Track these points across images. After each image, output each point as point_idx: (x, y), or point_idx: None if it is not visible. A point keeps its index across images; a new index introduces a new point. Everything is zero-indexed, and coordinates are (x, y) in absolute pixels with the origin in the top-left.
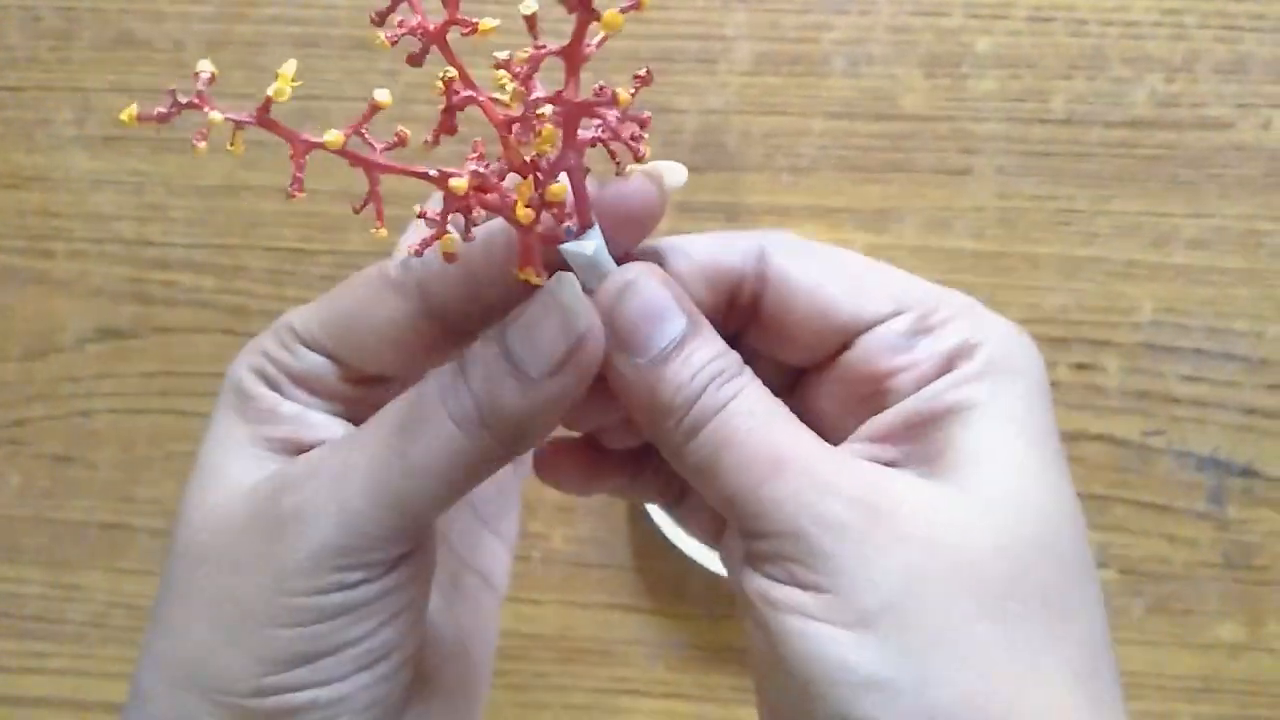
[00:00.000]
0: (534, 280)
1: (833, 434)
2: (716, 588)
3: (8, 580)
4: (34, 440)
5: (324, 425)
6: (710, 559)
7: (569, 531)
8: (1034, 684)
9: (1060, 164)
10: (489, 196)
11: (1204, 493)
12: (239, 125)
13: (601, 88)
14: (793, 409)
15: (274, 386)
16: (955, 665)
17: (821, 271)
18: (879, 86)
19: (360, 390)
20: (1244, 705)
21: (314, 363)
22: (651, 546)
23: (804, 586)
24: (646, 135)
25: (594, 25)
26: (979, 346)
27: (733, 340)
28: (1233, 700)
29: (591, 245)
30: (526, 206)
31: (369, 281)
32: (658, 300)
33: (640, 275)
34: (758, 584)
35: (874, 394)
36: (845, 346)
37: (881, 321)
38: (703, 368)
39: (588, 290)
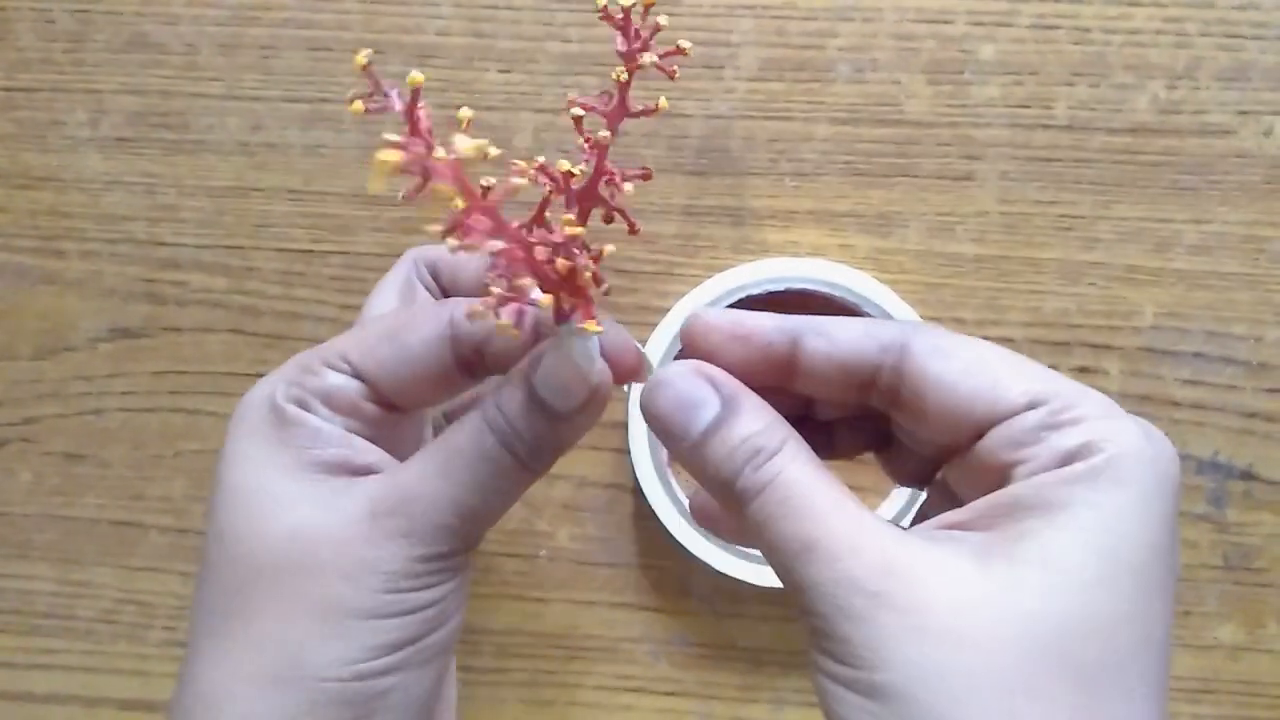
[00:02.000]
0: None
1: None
2: (721, 586)
3: (18, 577)
4: (45, 438)
5: (367, 449)
6: (715, 557)
7: (575, 530)
8: None
9: (1062, 170)
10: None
11: (1204, 495)
12: (425, 178)
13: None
14: (936, 484)
15: (307, 410)
16: None
17: (961, 368)
18: (883, 92)
19: (380, 414)
20: (1243, 706)
21: (341, 382)
22: (657, 545)
23: (834, 658)
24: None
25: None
26: (1100, 450)
27: (877, 416)
28: (1232, 701)
29: (580, 328)
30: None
31: (430, 330)
32: (689, 391)
33: (672, 374)
34: (811, 651)
35: (999, 482)
36: (979, 437)
37: (1015, 414)
38: (738, 446)
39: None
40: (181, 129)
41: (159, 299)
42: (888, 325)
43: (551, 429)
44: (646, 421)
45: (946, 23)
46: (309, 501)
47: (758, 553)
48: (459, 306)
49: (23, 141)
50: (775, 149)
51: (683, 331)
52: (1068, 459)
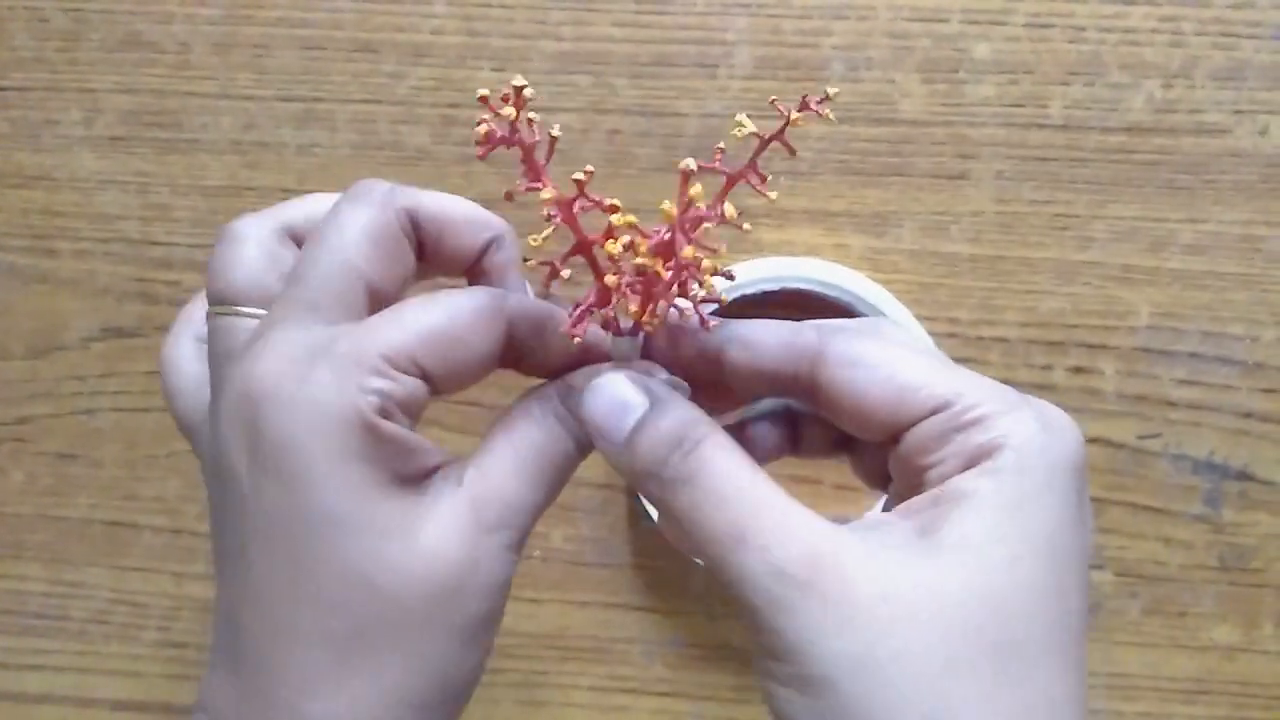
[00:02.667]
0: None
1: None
2: (714, 587)
3: (11, 577)
4: (38, 438)
5: (431, 447)
6: None
7: (569, 531)
8: None
9: (1058, 169)
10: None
11: (1200, 496)
12: (549, 217)
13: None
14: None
15: (393, 419)
16: None
17: (868, 378)
18: (878, 91)
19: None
20: (1239, 707)
21: (414, 386)
22: (650, 546)
23: (767, 654)
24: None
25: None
26: (1004, 445)
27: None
28: (1227, 702)
29: (634, 344)
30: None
31: (476, 312)
32: (619, 395)
33: (605, 379)
34: (752, 650)
35: (919, 484)
36: (895, 440)
37: (922, 419)
38: (663, 437)
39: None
40: (175, 128)
41: (152, 298)
42: (806, 332)
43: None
44: (586, 427)
45: (941, 21)
46: (422, 522)
47: None
48: (512, 302)
49: (16, 140)
50: (770, 148)
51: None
52: (973, 458)
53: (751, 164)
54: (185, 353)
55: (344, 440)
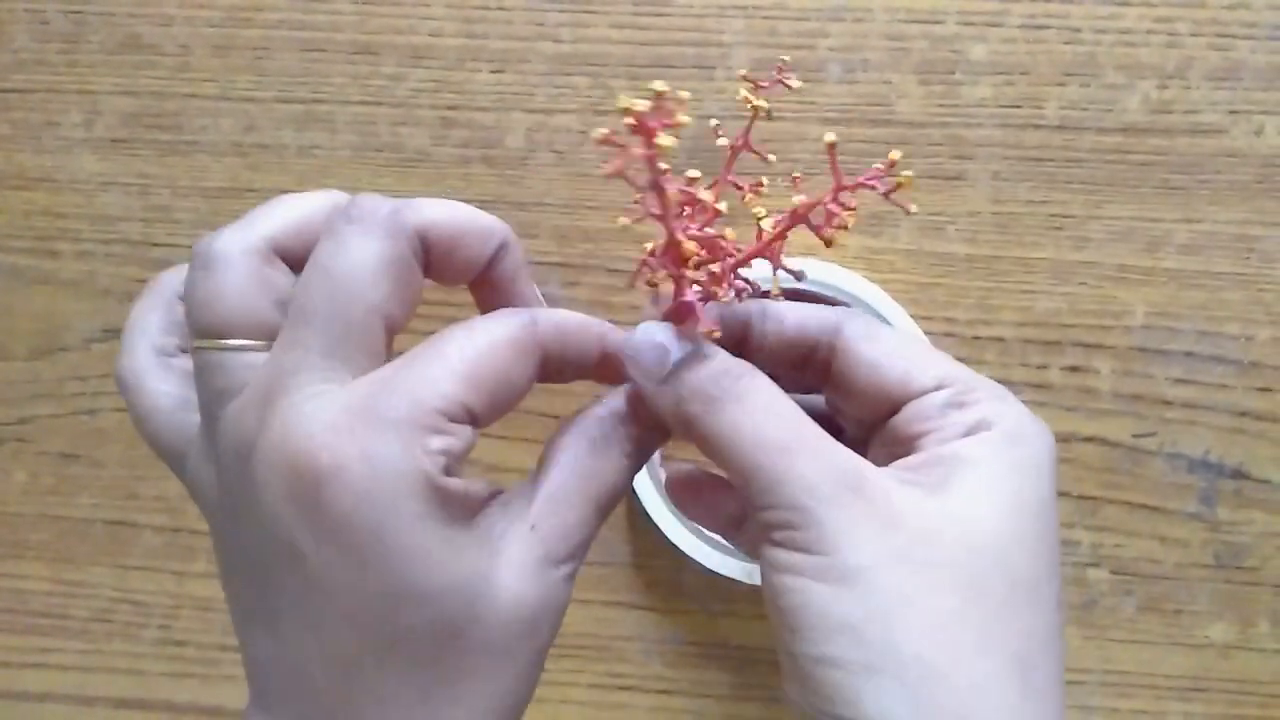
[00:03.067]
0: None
1: None
2: (713, 585)
3: (13, 576)
4: (40, 438)
5: (482, 482)
6: (707, 556)
7: None
8: (977, 654)
9: (1054, 169)
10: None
11: (1195, 494)
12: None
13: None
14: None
15: (454, 474)
16: (914, 623)
17: (884, 351)
18: (874, 92)
19: None
20: (1234, 704)
21: (469, 434)
22: (649, 544)
23: (800, 549)
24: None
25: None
26: (995, 424)
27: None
28: (1223, 699)
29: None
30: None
31: (515, 346)
32: (660, 338)
33: (647, 325)
34: (767, 552)
35: (910, 451)
36: (894, 412)
37: (926, 393)
38: (714, 368)
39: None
40: (175, 130)
41: None
42: (827, 311)
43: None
44: (626, 366)
45: (937, 23)
46: (499, 568)
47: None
48: (543, 324)
49: (17, 142)
50: (767, 149)
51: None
52: (970, 431)
53: (745, 145)
54: (148, 367)
55: (416, 507)
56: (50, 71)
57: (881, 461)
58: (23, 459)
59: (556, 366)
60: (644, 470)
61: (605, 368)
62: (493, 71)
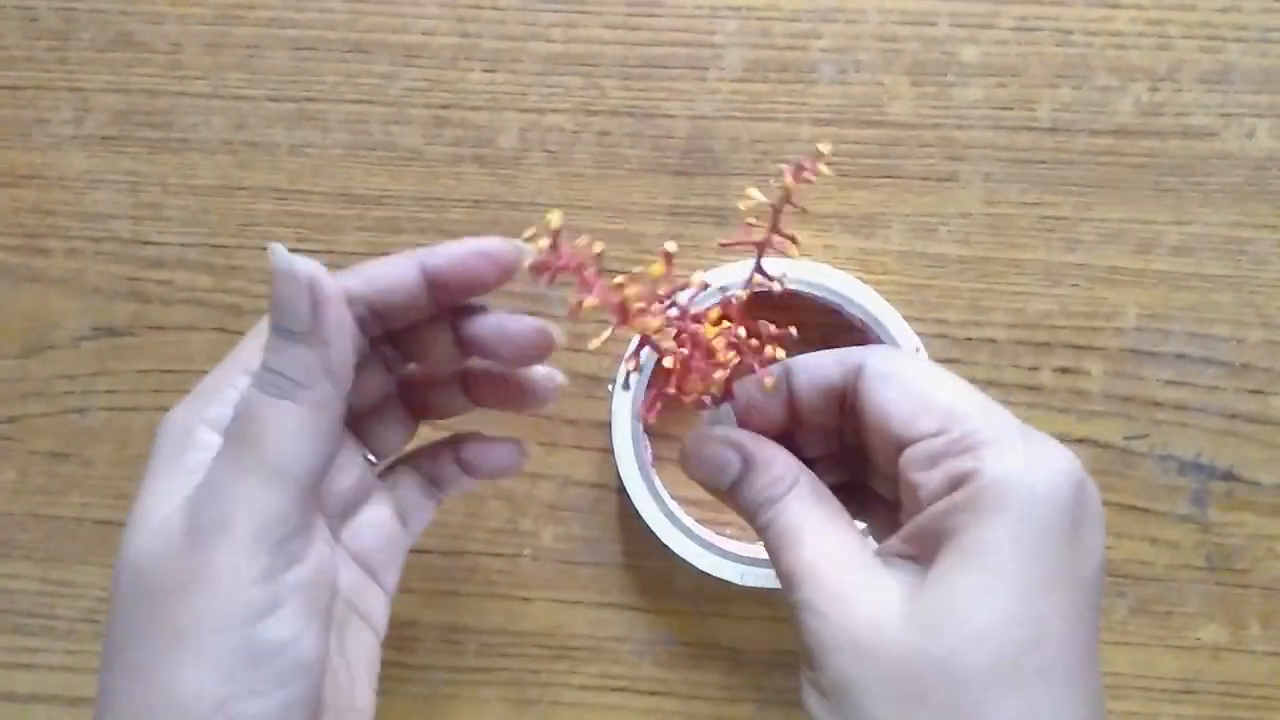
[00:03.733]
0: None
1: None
2: (705, 586)
3: (1, 576)
4: (29, 437)
5: None
6: (699, 557)
7: (559, 529)
8: None
9: (1045, 171)
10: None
11: (1186, 496)
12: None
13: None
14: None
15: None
16: None
17: (894, 393)
18: (866, 94)
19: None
20: (1226, 706)
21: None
22: (641, 545)
23: (805, 663)
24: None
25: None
26: (978, 476)
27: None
28: (1214, 701)
29: (728, 410)
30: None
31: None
32: (714, 458)
33: (701, 444)
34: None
35: (913, 499)
36: (899, 455)
37: (923, 439)
38: (755, 496)
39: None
40: (166, 127)
41: (143, 297)
42: (854, 351)
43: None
44: (690, 478)
45: (929, 25)
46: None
47: (741, 552)
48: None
49: (6, 139)
50: (759, 149)
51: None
52: (953, 485)
53: (773, 229)
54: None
55: None
56: (40, 68)
57: (910, 513)
58: (11, 458)
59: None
60: (635, 470)
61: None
62: (485, 71)
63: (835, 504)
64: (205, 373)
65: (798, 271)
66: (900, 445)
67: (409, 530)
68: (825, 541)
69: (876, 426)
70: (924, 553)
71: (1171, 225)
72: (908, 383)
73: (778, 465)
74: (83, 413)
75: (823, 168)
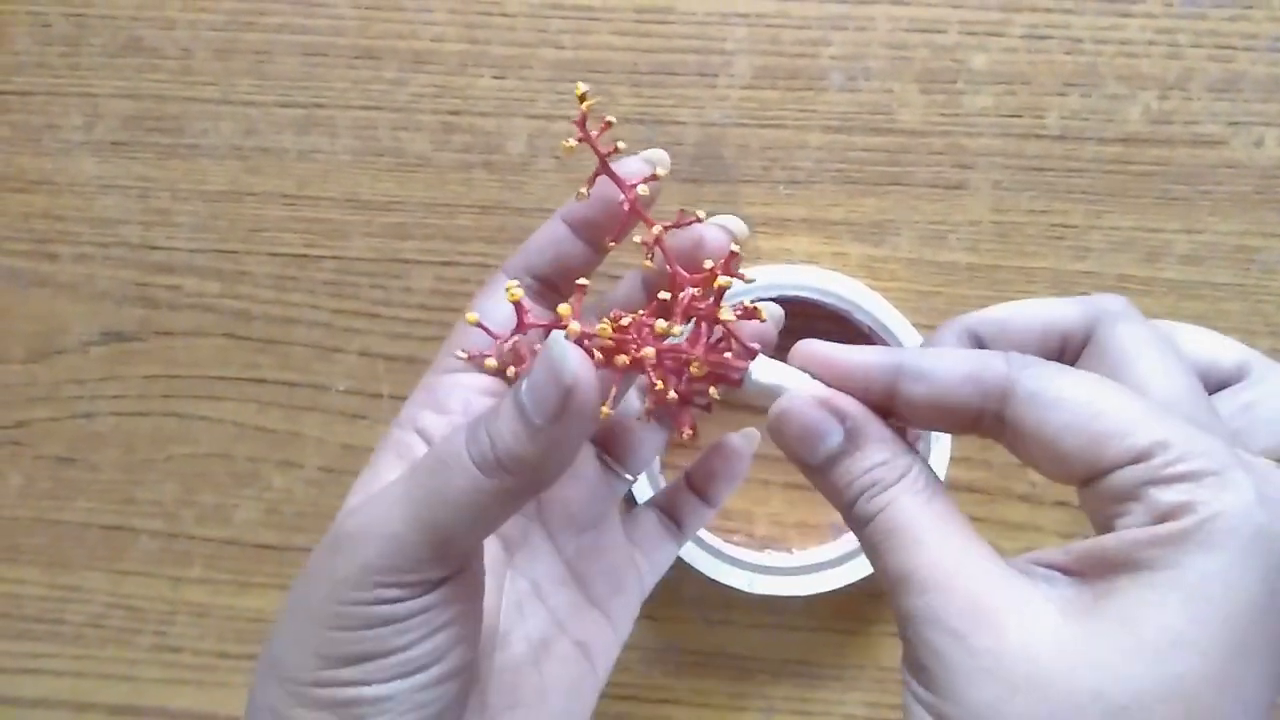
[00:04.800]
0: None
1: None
2: (712, 593)
3: (7, 581)
4: (36, 441)
5: None
6: (706, 565)
7: None
8: None
9: (1055, 179)
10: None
11: None
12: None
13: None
14: None
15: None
16: None
17: (1062, 422)
18: (876, 101)
19: None
20: None
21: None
22: None
23: (917, 679)
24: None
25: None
26: (1195, 510)
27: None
28: None
29: (760, 370)
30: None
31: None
32: (813, 422)
33: (796, 404)
34: (901, 661)
35: (1104, 528)
36: (1086, 483)
37: (1118, 469)
38: (859, 477)
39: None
40: (176, 133)
41: (152, 303)
42: (994, 364)
43: (530, 439)
44: (773, 440)
45: (939, 32)
46: None
47: (749, 559)
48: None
49: (17, 145)
50: (769, 156)
51: (791, 360)
52: (1163, 517)
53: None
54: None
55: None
56: (51, 74)
57: (1098, 530)
58: (19, 462)
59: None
60: (644, 478)
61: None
62: (494, 77)
63: (953, 502)
64: (214, 378)
65: (806, 278)
66: (1083, 478)
67: (650, 569)
68: (950, 541)
69: (1047, 458)
70: (1094, 573)
71: (1180, 234)
72: (1079, 409)
73: (891, 446)
74: (90, 418)
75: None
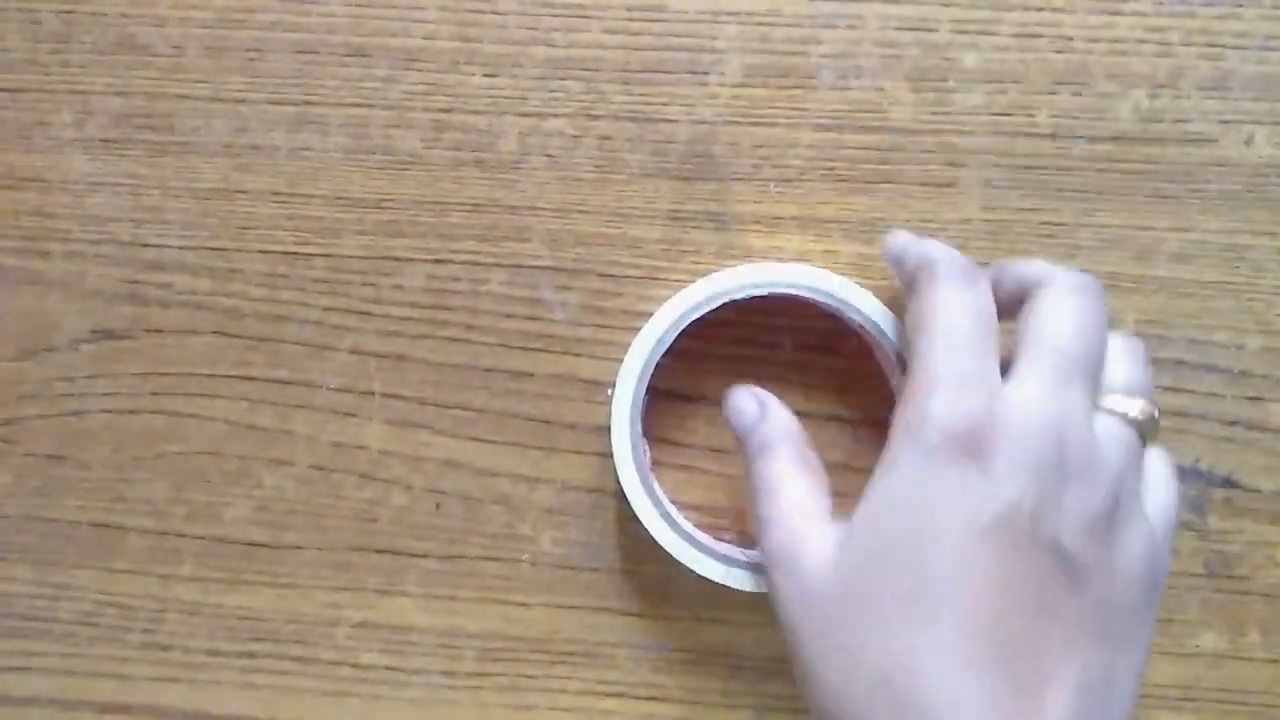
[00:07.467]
0: None
1: None
2: (703, 591)
3: None
4: (26, 439)
5: None
6: (697, 562)
7: (557, 534)
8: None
9: (1045, 178)
10: None
11: (1185, 503)
12: None
13: None
14: None
15: None
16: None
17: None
18: (867, 99)
19: None
20: (1225, 714)
21: None
22: (639, 550)
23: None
24: None
25: None
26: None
27: None
28: (1213, 709)
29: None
30: None
31: None
32: (739, 402)
33: (733, 391)
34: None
35: None
36: None
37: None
38: (759, 438)
39: None
40: (167, 131)
41: (143, 300)
42: (1035, 268)
43: None
44: (724, 425)
45: (930, 30)
46: None
47: (740, 557)
48: None
49: (7, 142)
50: (759, 155)
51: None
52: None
53: None
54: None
55: None
56: (41, 71)
57: None
58: (8, 460)
59: None
60: (634, 474)
61: None
62: (486, 75)
63: (819, 466)
64: (204, 376)
65: (797, 276)
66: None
67: None
68: (794, 492)
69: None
70: None
71: (1171, 232)
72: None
73: (784, 417)
74: (80, 416)
75: None
